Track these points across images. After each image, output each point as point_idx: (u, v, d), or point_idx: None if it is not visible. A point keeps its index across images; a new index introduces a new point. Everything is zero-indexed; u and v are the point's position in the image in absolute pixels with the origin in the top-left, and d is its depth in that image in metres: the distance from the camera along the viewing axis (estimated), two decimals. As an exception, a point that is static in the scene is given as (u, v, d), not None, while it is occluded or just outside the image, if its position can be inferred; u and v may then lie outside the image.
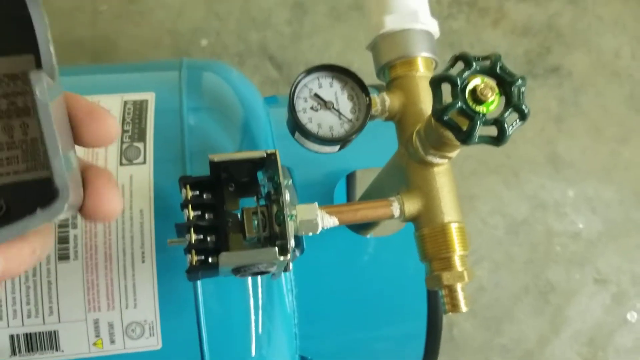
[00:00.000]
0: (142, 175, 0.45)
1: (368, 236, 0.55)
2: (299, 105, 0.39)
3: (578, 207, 0.98)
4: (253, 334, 0.46)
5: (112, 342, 0.42)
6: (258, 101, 0.58)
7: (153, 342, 0.43)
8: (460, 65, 0.33)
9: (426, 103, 0.41)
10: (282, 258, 0.33)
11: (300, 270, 0.50)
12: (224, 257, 0.33)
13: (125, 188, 0.44)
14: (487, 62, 0.32)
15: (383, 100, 0.41)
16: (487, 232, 0.95)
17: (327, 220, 0.38)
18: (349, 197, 0.64)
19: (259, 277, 0.46)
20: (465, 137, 0.31)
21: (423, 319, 0.53)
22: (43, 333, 0.41)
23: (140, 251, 0.43)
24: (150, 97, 0.49)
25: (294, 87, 0.39)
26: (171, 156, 0.47)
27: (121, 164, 0.45)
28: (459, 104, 0.31)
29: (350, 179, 0.64)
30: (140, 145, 0.46)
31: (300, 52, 1.00)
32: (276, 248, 0.33)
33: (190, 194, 0.36)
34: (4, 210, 0.25)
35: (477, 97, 0.31)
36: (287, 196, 0.34)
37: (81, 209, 0.26)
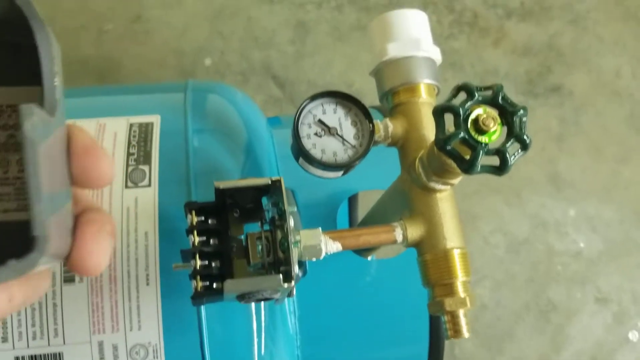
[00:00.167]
0: (147, 197, 0.45)
1: (369, 258, 0.56)
2: (303, 131, 0.40)
3: (579, 227, 0.98)
4: (256, 356, 0.46)
5: (116, 364, 0.42)
6: (262, 123, 0.58)
7: (157, 365, 0.43)
8: (462, 95, 0.33)
9: (428, 129, 0.41)
10: (286, 285, 0.33)
11: (302, 292, 0.51)
12: (229, 284, 0.33)
13: (131, 211, 0.44)
14: (489, 92, 0.33)
15: (386, 126, 0.41)
16: (488, 251, 0.95)
17: (330, 246, 0.38)
18: (351, 219, 0.65)
19: (262, 300, 0.46)
20: (467, 167, 0.32)
21: (425, 342, 0.53)
22: (48, 355, 0.42)
23: (145, 274, 0.43)
24: (155, 119, 0.49)
25: (298, 113, 0.40)
26: (176, 179, 0.47)
27: (126, 186, 0.45)
28: (462, 134, 0.32)
29: (352, 201, 0.64)
30: (145, 167, 0.46)
31: (302, 71, 1.01)
32: (280, 275, 0.33)
33: (195, 219, 0.36)
34: None
35: (480, 127, 0.32)
36: (291, 222, 0.35)
37: (67, 258, 0.24)
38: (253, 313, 0.46)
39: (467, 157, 0.32)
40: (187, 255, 0.36)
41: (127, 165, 0.46)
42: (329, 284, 0.54)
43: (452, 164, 0.34)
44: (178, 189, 0.47)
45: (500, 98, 0.33)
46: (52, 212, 0.21)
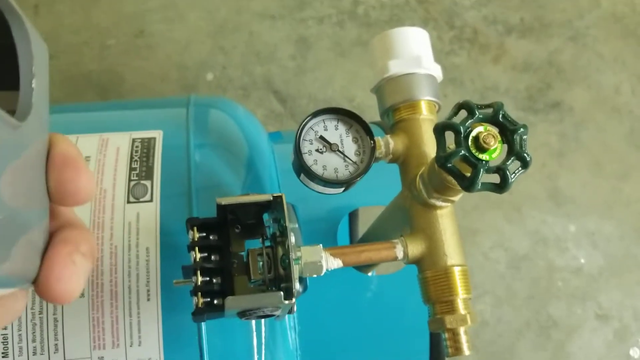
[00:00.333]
0: (149, 213, 0.45)
1: (369, 274, 0.56)
2: (305, 147, 0.40)
3: (579, 242, 0.98)
4: (256, 372, 0.46)
5: (116, 380, 0.42)
6: (263, 138, 0.59)
7: (157, 381, 0.43)
8: (463, 113, 0.33)
9: (429, 146, 0.42)
10: (287, 302, 0.33)
11: (302, 308, 0.51)
12: (230, 300, 0.33)
13: (132, 226, 0.45)
14: (490, 110, 0.33)
15: (387, 143, 0.42)
16: (489, 267, 0.95)
17: (331, 262, 0.38)
18: (352, 235, 0.65)
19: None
20: (468, 185, 0.32)
21: (425, 358, 0.53)
22: (48, 370, 0.41)
23: (146, 289, 0.43)
24: (158, 134, 0.50)
25: (299, 129, 0.40)
26: (177, 194, 0.47)
27: (128, 201, 0.46)
28: (462, 151, 0.32)
29: (352, 216, 0.65)
30: (147, 183, 0.47)
31: (303, 86, 1.02)
32: (281, 292, 0.33)
33: (197, 235, 0.36)
34: None
35: (480, 145, 0.32)
36: (292, 239, 0.35)
37: (35, 283, 0.21)
38: (253, 329, 0.46)
39: (468, 174, 0.32)
40: (189, 271, 0.36)
41: (130, 180, 0.46)
42: (329, 300, 0.54)
43: (453, 181, 0.34)
44: (179, 204, 0.47)
45: (500, 116, 0.33)
46: (13, 232, 0.18)
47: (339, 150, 0.40)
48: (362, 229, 0.57)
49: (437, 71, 0.44)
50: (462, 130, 0.32)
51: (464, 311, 0.38)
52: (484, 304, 0.93)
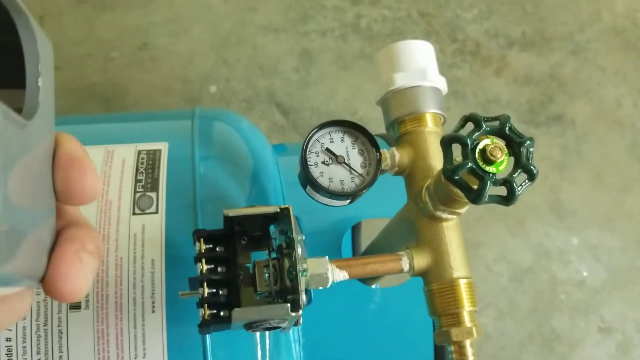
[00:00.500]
0: (155, 224, 0.45)
1: (374, 286, 0.56)
2: (311, 159, 0.40)
3: (582, 255, 0.98)
4: (260, 385, 0.46)
5: (120, 392, 0.42)
6: (267, 150, 0.59)
7: (161, 393, 0.43)
8: (470, 125, 0.34)
9: (435, 158, 0.42)
10: (294, 314, 0.33)
11: (307, 320, 0.50)
12: (237, 312, 0.33)
13: (137, 238, 0.45)
14: (497, 123, 0.33)
15: (393, 155, 0.42)
16: (491, 280, 0.95)
17: (337, 274, 0.38)
18: (355, 247, 0.65)
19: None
20: (475, 197, 0.32)
21: (430, 371, 0.53)
22: (52, 382, 0.41)
23: (151, 301, 0.43)
24: (163, 146, 0.50)
25: (306, 142, 0.40)
26: (183, 205, 0.47)
27: (134, 213, 0.46)
28: (469, 164, 0.32)
29: (356, 229, 0.65)
30: (153, 194, 0.47)
31: (306, 99, 1.02)
32: (288, 304, 0.33)
33: (204, 247, 0.36)
34: None
35: (487, 158, 0.32)
36: (299, 251, 0.35)
37: (42, 281, 0.21)
38: (258, 341, 0.46)
39: (475, 187, 0.32)
40: (195, 283, 0.36)
41: (135, 192, 0.47)
42: (334, 312, 0.54)
43: (460, 193, 0.34)
44: (185, 216, 0.47)
45: (507, 129, 0.33)
46: (20, 230, 0.18)
47: (345, 163, 0.40)
48: (365, 241, 0.57)
49: (442, 84, 0.44)
50: (469, 143, 0.32)
51: (469, 324, 0.38)
52: (487, 317, 0.93)
